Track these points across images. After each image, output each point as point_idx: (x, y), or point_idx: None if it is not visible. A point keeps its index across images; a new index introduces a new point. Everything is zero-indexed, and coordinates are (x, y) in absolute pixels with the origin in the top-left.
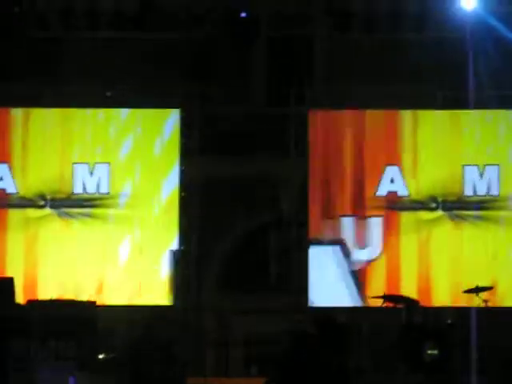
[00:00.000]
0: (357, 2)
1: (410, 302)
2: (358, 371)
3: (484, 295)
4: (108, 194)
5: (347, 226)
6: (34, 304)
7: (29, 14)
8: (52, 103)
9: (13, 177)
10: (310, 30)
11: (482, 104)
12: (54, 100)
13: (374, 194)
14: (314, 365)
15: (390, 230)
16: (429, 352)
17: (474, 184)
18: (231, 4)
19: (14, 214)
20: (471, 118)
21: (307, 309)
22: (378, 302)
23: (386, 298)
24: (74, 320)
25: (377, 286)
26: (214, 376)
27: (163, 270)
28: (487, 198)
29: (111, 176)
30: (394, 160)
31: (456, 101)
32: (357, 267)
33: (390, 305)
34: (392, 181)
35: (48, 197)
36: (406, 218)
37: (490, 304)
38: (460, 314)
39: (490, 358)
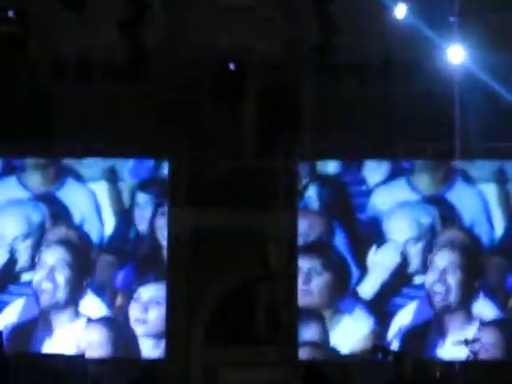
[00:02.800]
0: (346, 55)
1: (399, 354)
2: None
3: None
4: None
5: None
6: (22, 356)
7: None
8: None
9: None
10: (299, 82)
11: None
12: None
13: None
14: None
15: None
16: None
17: None
18: (219, 56)
19: None
20: None
21: (296, 362)
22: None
23: (375, 349)
24: (62, 373)
25: None
26: None
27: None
28: None
29: None
30: None
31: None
32: None
33: (380, 356)
34: None
35: None
36: None
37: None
38: (449, 366)
39: None
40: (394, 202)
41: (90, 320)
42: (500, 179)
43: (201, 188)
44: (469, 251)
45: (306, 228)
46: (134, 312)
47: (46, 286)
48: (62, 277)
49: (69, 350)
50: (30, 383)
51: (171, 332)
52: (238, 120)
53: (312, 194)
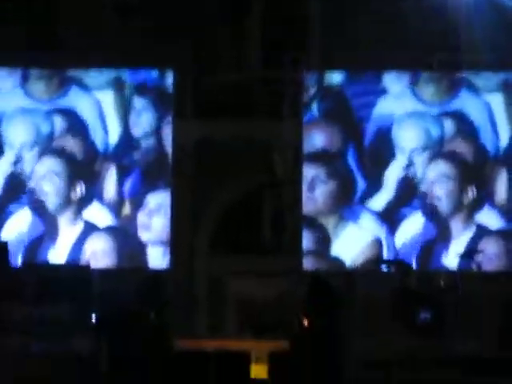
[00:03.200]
0: None
1: (403, 265)
2: (350, 335)
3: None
4: None
5: None
6: (27, 267)
7: None
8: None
9: None
10: None
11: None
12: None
13: None
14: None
15: None
16: (422, 316)
17: None
18: None
19: None
20: None
21: (302, 271)
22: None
23: (379, 261)
24: (69, 283)
25: None
26: (207, 338)
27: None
28: None
29: None
30: None
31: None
32: None
33: (384, 268)
34: None
35: None
36: None
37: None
38: (452, 277)
39: (483, 322)
40: (400, 112)
41: (95, 229)
42: (506, 90)
43: (206, 98)
44: (471, 161)
45: (312, 138)
46: (141, 219)
47: (42, 194)
48: (51, 186)
49: (73, 259)
50: (35, 295)
51: (175, 241)
52: (244, 30)
53: (318, 104)
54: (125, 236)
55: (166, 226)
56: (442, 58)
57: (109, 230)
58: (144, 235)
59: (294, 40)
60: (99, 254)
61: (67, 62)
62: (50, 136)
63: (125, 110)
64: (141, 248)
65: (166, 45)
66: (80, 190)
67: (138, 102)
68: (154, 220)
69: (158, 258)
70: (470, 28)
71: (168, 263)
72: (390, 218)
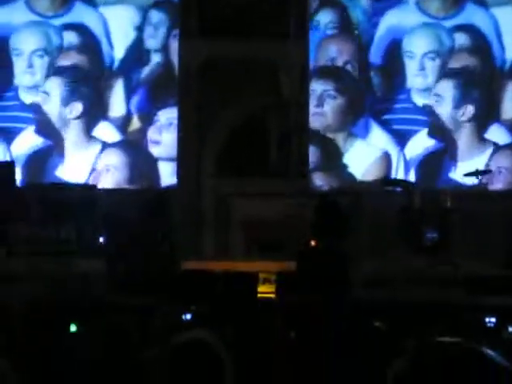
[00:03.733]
0: None
1: (409, 186)
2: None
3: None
4: None
5: None
6: (34, 187)
7: None
8: None
9: None
10: None
11: None
12: None
13: None
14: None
15: None
16: (429, 236)
17: None
18: None
19: None
20: None
21: (309, 192)
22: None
23: (385, 181)
24: (75, 203)
25: None
26: (214, 259)
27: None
28: None
29: None
30: None
31: None
32: None
33: (389, 188)
34: None
35: None
36: None
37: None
38: (459, 197)
39: (490, 241)
40: (407, 24)
41: (105, 145)
42: None
43: (211, 18)
44: (479, 74)
45: (320, 53)
46: (151, 134)
47: (48, 109)
48: (58, 102)
49: (84, 176)
50: (42, 215)
51: (182, 161)
52: None
53: (323, 19)
54: (135, 151)
55: (174, 141)
56: None
57: (119, 144)
58: (155, 150)
59: None
60: (110, 169)
61: None
62: (58, 49)
63: (131, 25)
64: (152, 163)
65: None
66: (88, 105)
67: (145, 18)
68: (165, 135)
69: (165, 176)
70: None
71: (175, 182)
72: (400, 133)
